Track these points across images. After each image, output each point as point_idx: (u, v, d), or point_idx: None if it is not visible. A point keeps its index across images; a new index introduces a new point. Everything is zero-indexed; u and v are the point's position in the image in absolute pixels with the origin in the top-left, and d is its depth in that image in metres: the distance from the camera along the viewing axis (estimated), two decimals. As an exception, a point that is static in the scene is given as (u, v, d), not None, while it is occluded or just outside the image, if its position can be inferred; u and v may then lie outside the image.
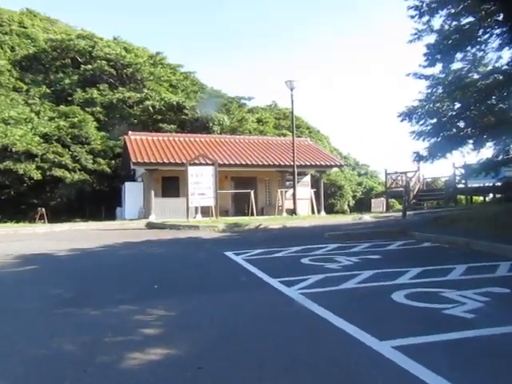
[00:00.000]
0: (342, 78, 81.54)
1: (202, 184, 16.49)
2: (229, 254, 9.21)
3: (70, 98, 31.10)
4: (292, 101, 19.05)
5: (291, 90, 18.86)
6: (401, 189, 24.05)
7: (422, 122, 12.60)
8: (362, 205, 35.80)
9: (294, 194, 19.21)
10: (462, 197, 23.44)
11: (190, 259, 8.79)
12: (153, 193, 21.01)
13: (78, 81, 32.91)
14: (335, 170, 28.09)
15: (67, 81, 32.79)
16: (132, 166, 21.21)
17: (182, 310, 5.01)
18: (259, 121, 35.49)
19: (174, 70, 39.18)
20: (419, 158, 12.24)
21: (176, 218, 18.54)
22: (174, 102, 29.43)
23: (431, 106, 12.22)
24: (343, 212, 33.06)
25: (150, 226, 16.36)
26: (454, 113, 12.08)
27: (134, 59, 33.50)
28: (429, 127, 12.85)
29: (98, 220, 23.68)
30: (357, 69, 78.84)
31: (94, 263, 8.69)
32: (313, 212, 22.06)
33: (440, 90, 12.13)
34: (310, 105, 75.25)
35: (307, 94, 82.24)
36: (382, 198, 29.74)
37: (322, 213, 22.48)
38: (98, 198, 27.35)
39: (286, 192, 22.75)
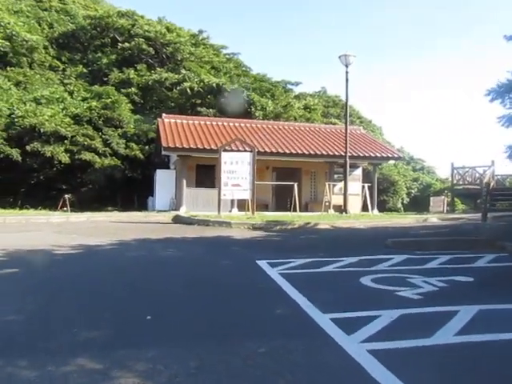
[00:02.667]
0: (398, 63, 77.34)
1: (237, 173, 14.49)
2: (262, 263, 7.21)
3: (105, 79, 29.89)
4: (347, 79, 16.69)
5: (346, 66, 16.46)
6: (470, 186, 21.25)
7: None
8: (418, 203, 32.83)
9: (345, 189, 16.89)
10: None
11: (208, 271, 6.81)
12: (185, 182, 19.25)
13: (116, 60, 31.67)
14: (389, 163, 25.50)
15: (105, 60, 31.62)
16: (163, 152, 19.53)
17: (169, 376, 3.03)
18: (306, 107, 33.04)
19: (218, 52, 37.28)
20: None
21: (209, 210, 16.71)
22: (214, 85, 27.53)
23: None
24: (396, 210, 30.31)
25: (177, 219, 14.58)
26: None
27: (175, 38, 31.86)
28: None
29: (130, 209, 22.33)
30: (416, 52, 74.55)
31: (88, 269, 6.88)
32: (364, 210, 19.67)
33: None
34: (361, 93, 71.73)
35: (359, 80, 78.60)
36: (443, 197, 26.82)
37: (375, 211, 20.03)
38: (130, 186, 25.99)
39: (333, 186, 20.47)
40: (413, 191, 35.18)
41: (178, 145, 18.74)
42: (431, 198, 27.59)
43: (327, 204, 19.19)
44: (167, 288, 5.59)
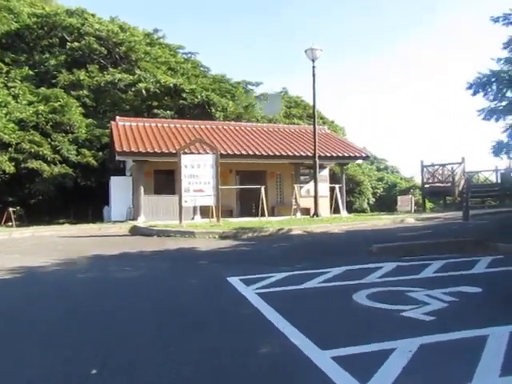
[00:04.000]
0: (358, 62, 78.04)
1: (199, 177, 13.37)
2: (234, 280, 6.20)
3: (54, 81, 28.04)
4: (313, 74, 15.84)
5: (313, 60, 15.65)
6: (440, 184, 20.91)
7: (497, 95, 9.43)
8: (384, 203, 32.65)
9: (315, 191, 16.06)
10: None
11: (171, 294, 5.70)
12: (142, 189, 17.96)
13: (65, 61, 29.79)
14: (353, 164, 24.98)
15: (53, 61, 29.71)
16: (117, 157, 18.18)
17: None
18: (268, 108, 32.30)
19: (174, 52, 35.97)
20: (502, 147, 9.08)
21: (170, 219, 15.56)
22: (171, 85, 26.30)
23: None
24: (363, 211, 29.96)
25: (135, 231, 13.35)
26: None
27: (128, 37, 30.35)
28: (504, 103, 9.71)
29: (84, 221, 20.83)
30: (376, 50, 75.33)
31: (22, 298, 5.66)
32: (334, 212, 18.96)
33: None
34: (323, 93, 72.32)
35: (321, 80, 78.90)
36: (410, 196, 26.54)
37: (344, 213, 19.33)
38: (84, 196, 24.37)
39: (300, 188, 19.69)
40: (378, 191, 35.00)
41: (133, 149, 17.45)
42: (398, 198, 27.28)
43: (295, 207, 18.38)
44: (121, 326, 4.46)
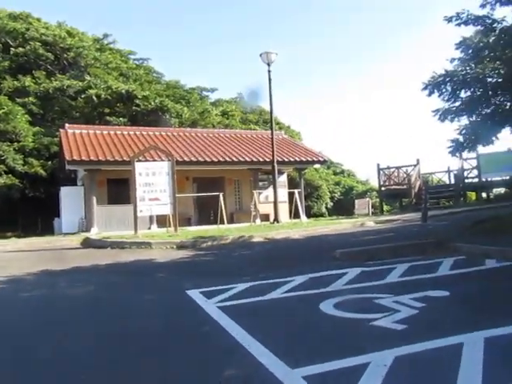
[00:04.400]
0: (311, 66, 78.99)
1: (154, 186, 12.89)
2: (194, 293, 5.87)
3: (-4, 89, 26.70)
4: (269, 79, 15.67)
5: (268, 64, 15.49)
6: (396, 186, 21.23)
7: (451, 95, 9.55)
8: (342, 206, 32.96)
9: (275, 197, 15.87)
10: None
11: (123, 315, 5.28)
12: (95, 199, 17.23)
13: (9, 67, 28.44)
14: (311, 168, 25.11)
15: (-4, 68, 28.32)
16: (67, 166, 17.38)
17: None
18: (224, 113, 32.07)
19: (126, 58, 35.17)
20: (458, 146, 9.19)
21: (125, 230, 14.93)
22: (123, 91, 25.58)
23: (470, 70, 9.14)
24: (322, 215, 30.15)
25: (87, 243, 12.71)
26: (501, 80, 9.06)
27: (76, 42, 29.35)
28: (457, 103, 9.84)
29: (33, 234, 19.81)
30: (331, 56, 76.35)
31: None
32: (293, 217, 18.86)
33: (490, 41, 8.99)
34: (276, 98, 72.63)
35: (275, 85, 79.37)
36: (367, 199, 26.91)
37: (304, 218, 19.30)
38: (32, 207, 23.28)
39: (259, 194, 19.51)
40: (336, 195, 35.33)
41: (84, 157, 16.72)
42: (356, 201, 27.60)
43: (255, 214, 18.16)
44: (65, 357, 4.05)
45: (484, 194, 21.29)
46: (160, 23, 68.94)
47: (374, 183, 37.55)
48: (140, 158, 14.45)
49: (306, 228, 13.04)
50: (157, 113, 26.01)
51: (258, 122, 36.12)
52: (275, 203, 15.85)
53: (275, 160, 16.07)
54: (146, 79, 33.23)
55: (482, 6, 8.38)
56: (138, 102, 26.03)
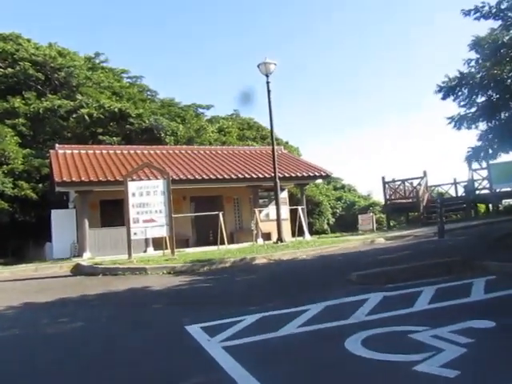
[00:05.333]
0: (306, 82, 78.83)
1: (149, 206, 12.11)
2: (195, 330, 5.11)
3: (-15, 111, 26.10)
4: (268, 90, 15.03)
5: (266, 75, 14.88)
6: (402, 200, 20.50)
7: (467, 100, 8.90)
8: (344, 222, 32.21)
9: (277, 214, 15.08)
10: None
11: (112, 361, 4.48)
12: (87, 222, 16.46)
13: (-2, 89, 27.98)
14: (311, 184, 24.38)
15: (-15, 90, 27.79)
16: (57, 188, 16.67)
17: None
18: (221, 130, 31.53)
19: (119, 77, 34.81)
20: (476, 154, 8.51)
21: (120, 253, 14.13)
22: (116, 110, 25.04)
23: (487, 71, 8.48)
24: (324, 232, 29.37)
25: (77, 270, 11.87)
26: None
27: (67, 61, 28.90)
28: (473, 109, 9.19)
29: (23, 260, 19.00)
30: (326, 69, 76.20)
31: None
32: (296, 235, 18.08)
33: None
34: (275, 113, 72.24)
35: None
36: (371, 214, 26.19)
37: (308, 236, 18.50)
38: (23, 232, 22.51)
39: (260, 212, 18.76)
40: (338, 211, 34.58)
41: (75, 178, 15.99)
42: (359, 216, 26.86)
43: (256, 233, 17.39)
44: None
45: (492, 206, 20.59)
46: (154, 40, 68.98)
47: (377, 197, 36.91)
48: (133, 177, 13.74)
49: (312, 247, 12.26)
50: (151, 131, 25.42)
51: (255, 139, 35.57)
52: (278, 221, 15.08)
53: (277, 176, 15.36)
54: (140, 98, 32.80)
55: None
56: (131, 120, 25.50)
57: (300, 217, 16.28)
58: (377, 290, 6.39)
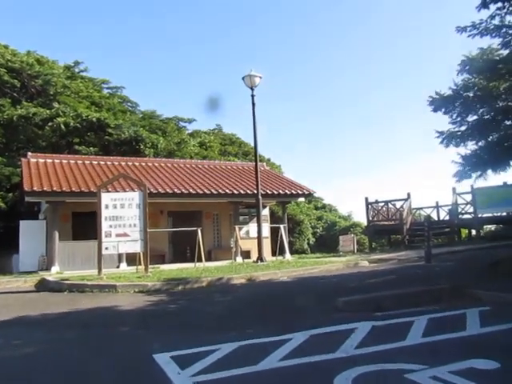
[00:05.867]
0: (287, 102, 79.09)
1: (123, 219, 11.43)
2: (163, 359, 4.58)
3: (-45, 117, 25.13)
4: (253, 103, 14.57)
5: (251, 88, 14.50)
6: (386, 222, 20.20)
7: (458, 117, 8.66)
8: (325, 243, 31.88)
9: (259, 232, 14.54)
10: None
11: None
12: (57, 235, 15.69)
13: (-29, 95, 27.06)
14: (293, 202, 23.99)
15: (-43, 95, 26.85)
16: (26, 198, 15.89)
17: None
18: (202, 144, 31.07)
19: (99, 87, 34.14)
20: (465, 173, 8.24)
21: (91, 268, 13.38)
22: (94, 119, 24.37)
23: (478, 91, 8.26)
24: (304, 252, 28.90)
25: (42, 286, 11.13)
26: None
27: (45, 69, 28.16)
28: (463, 127, 8.94)
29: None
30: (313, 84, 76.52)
31: None
32: (276, 254, 17.59)
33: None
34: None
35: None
36: (352, 235, 25.81)
37: (289, 256, 18.00)
38: (-11, 243, 21.47)
39: (240, 230, 18.24)
40: (318, 230, 34.22)
41: (46, 188, 15.25)
42: (340, 237, 26.44)
43: (235, 251, 16.85)
44: None
45: (474, 231, 20.45)
46: (134, 50, 68.52)
47: (357, 218, 36.76)
48: (108, 189, 13.12)
49: (294, 268, 11.77)
50: (130, 143, 24.80)
51: (237, 155, 35.22)
52: (259, 239, 14.57)
53: (260, 192, 14.89)
54: (120, 109, 32.20)
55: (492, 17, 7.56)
56: (110, 131, 24.86)
57: (282, 235, 15.81)
58: (365, 318, 5.94)
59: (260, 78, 14.50)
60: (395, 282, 8.44)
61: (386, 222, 20.17)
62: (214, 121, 56.80)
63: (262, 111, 67.17)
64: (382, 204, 20.65)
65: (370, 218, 20.75)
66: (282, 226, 16.06)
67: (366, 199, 20.73)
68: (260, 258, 14.17)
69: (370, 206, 20.59)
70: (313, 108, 76.63)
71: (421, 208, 22.71)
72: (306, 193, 20.21)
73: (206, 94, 71.90)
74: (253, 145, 37.44)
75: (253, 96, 14.62)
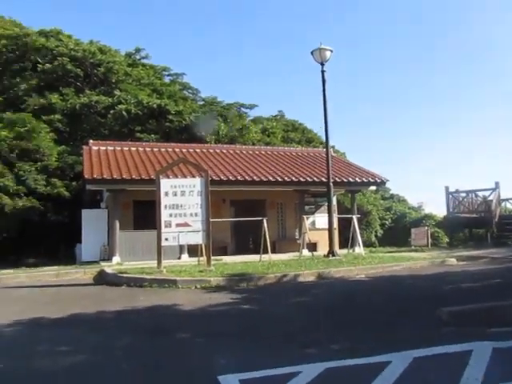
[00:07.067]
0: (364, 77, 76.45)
1: (183, 208, 10.69)
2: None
3: (22, 106, 25.66)
4: (323, 80, 13.27)
5: (322, 64, 13.26)
6: (467, 215, 18.37)
7: None
8: (394, 235, 30.09)
9: (329, 223, 13.40)
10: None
11: None
12: (118, 224, 15.35)
13: (37, 85, 27.57)
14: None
15: (24, 86, 27.45)
16: (87, 186, 15.67)
17: None
18: (264, 131, 30.11)
19: (160, 74, 34.06)
20: None
21: (151, 259, 12.82)
22: (155, 106, 24.06)
23: None
24: (371, 245, 27.39)
25: (100, 278, 10.67)
26: None
27: (107, 57, 28.27)
28: None
29: (55, 261, 18.18)
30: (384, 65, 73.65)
31: None
32: (343, 247, 16.38)
33: None
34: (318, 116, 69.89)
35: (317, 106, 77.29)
36: (426, 228, 24.00)
37: (361, 249, 16.67)
38: (55, 232, 21.78)
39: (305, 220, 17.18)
40: (387, 222, 32.46)
41: (106, 176, 14.91)
42: (412, 230, 24.74)
43: (301, 242, 15.83)
44: None
45: None
46: (196, 37, 68.57)
47: (429, 210, 34.58)
48: (168, 175, 12.46)
49: (372, 265, 10.57)
50: (191, 129, 24.30)
51: (300, 141, 34.04)
52: (330, 231, 13.42)
53: (331, 179, 13.71)
54: (181, 96, 31.86)
55: None
56: (171, 117, 24.47)
57: (355, 227, 14.54)
58: (479, 336, 4.73)
59: (331, 51, 13.22)
60: (505, 288, 7.08)
61: (467, 215, 18.34)
62: (277, 107, 55.81)
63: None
64: (464, 194, 18.80)
65: (451, 210, 18.95)
66: (354, 217, 14.79)
67: (447, 188, 18.95)
68: (331, 251, 13.04)
69: (450, 196, 18.80)
70: (375, 92, 73.56)
71: (507, 199, 20.55)
72: (379, 181, 18.76)
73: (267, 79, 70.69)
74: (314, 132, 36.28)
75: (323, 72, 13.36)
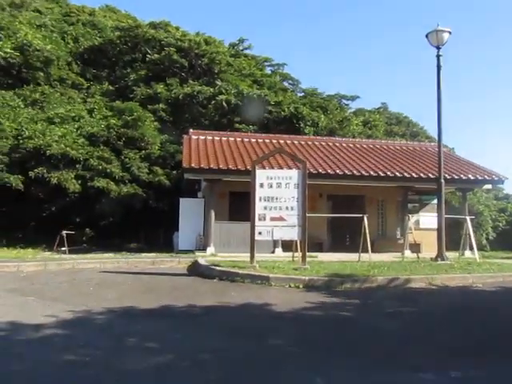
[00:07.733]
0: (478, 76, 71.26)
1: (279, 201, 10.16)
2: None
3: (131, 95, 26.92)
4: (439, 66, 11.94)
5: (437, 47, 11.91)
6: None
7: None
8: (509, 239, 27.50)
9: (439, 223, 12.15)
10: None
11: None
12: (213, 214, 15.31)
13: (145, 75, 28.81)
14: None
15: (133, 76, 28.79)
16: (185, 175, 15.79)
17: None
18: (366, 123, 28.82)
19: (261, 65, 34.03)
20: None
21: (244, 252, 12.51)
22: (255, 96, 23.89)
23: None
24: (482, 248, 25.13)
25: (194, 269, 10.54)
26: None
27: (211, 48, 28.72)
28: None
29: (155, 247, 18.81)
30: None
31: None
32: (450, 250, 14.93)
33: None
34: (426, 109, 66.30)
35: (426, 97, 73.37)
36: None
37: (469, 253, 15.16)
38: (155, 219, 22.50)
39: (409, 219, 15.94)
40: (500, 224, 29.78)
41: (203, 165, 14.90)
42: (533, 234, 22.27)
43: (403, 243, 14.70)
44: None
45: None
46: (298, 27, 67.92)
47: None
48: (264, 166, 12.04)
49: (490, 273, 9.33)
50: (290, 121, 23.82)
51: (404, 135, 32.25)
52: (439, 232, 12.16)
53: (442, 175, 12.43)
54: (281, 87, 31.52)
55: None
56: (270, 108, 24.18)
57: (469, 229, 13.10)
58: None
59: (449, 33, 11.87)
60: None
61: None
62: (380, 99, 53.53)
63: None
64: None
65: None
66: (468, 218, 13.31)
67: None
68: (440, 254, 11.83)
69: None
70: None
71: None
72: (496, 179, 16.88)
73: (370, 70, 68.25)
74: (421, 126, 34.09)
75: (438, 56, 11.99)
